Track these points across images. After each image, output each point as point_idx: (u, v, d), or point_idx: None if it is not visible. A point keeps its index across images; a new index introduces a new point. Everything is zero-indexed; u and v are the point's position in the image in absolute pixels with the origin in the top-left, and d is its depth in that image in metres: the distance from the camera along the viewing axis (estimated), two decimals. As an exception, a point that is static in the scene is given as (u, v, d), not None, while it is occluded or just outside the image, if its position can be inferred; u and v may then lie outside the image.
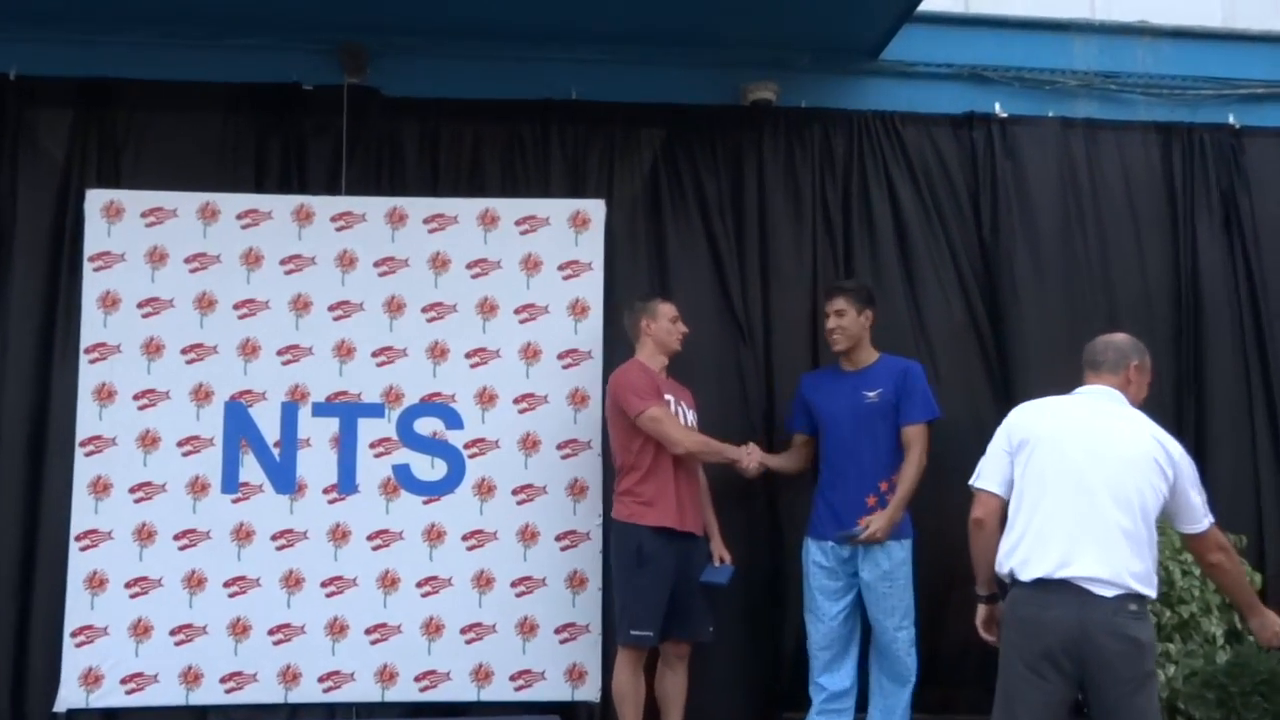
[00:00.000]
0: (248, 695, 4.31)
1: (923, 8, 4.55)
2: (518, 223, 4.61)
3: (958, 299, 4.84)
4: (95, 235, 4.45)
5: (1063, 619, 2.79)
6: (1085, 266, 4.91)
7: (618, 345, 4.49)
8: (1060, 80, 5.01)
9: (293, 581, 4.35)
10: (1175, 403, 4.84)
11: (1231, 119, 5.05)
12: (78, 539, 4.29)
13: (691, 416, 4.28)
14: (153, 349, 4.41)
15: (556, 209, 4.63)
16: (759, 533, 4.54)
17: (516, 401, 4.53)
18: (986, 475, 3.10)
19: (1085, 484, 2.90)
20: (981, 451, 3.24)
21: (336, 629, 4.33)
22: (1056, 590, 2.82)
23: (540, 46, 4.69)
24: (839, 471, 4.25)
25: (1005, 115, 4.92)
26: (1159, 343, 4.71)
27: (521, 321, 4.56)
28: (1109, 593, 2.77)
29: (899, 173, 4.86)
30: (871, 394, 4.23)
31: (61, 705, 4.20)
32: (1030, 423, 3.09)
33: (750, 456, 4.29)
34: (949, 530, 4.00)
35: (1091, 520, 2.85)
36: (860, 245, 4.85)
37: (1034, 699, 2.81)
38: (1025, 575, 2.88)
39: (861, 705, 4.27)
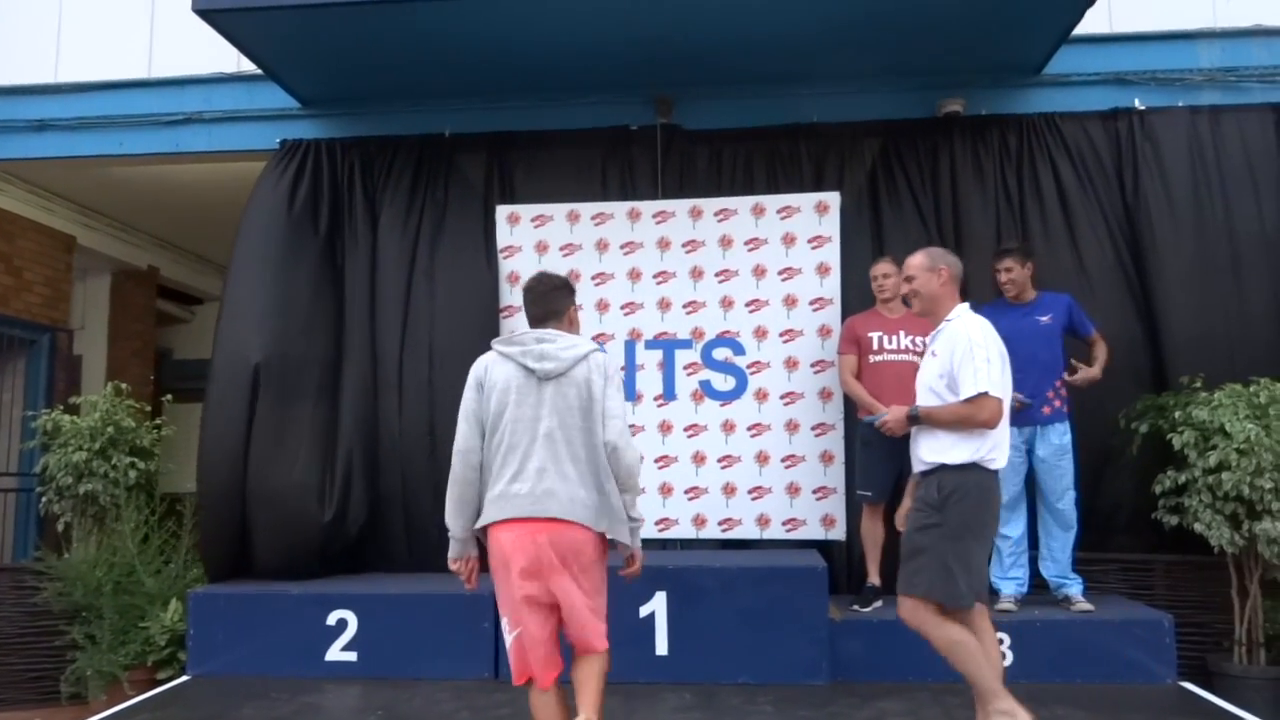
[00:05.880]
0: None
1: (1075, 31, 5.58)
2: (778, 211, 6.00)
3: (1108, 247, 5.76)
4: (503, 234, 6.19)
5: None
6: (1211, 221, 5.65)
7: (851, 294, 5.82)
8: (1188, 77, 5.88)
9: (635, 459, 6.09)
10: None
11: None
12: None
13: (910, 340, 5.22)
14: (541, 308, 6.23)
15: (805, 200, 5.99)
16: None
17: (781, 335, 5.95)
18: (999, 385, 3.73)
19: None
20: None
21: (665, 490, 5.95)
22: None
23: (789, 86, 6.07)
24: (1025, 374, 4.77)
25: (1143, 108, 5.82)
26: (1276, 278, 5.64)
27: (783, 280, 5.97)
28: None
29: (1060, 157, 5.87)
30: (1044, 318, 5.16)
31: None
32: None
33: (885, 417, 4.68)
34: (1106, 416, 5.22)
35: None
36: (1032, 213, 5.84)
37: None
38: (994, 466, 3.77)
39: (1033, 546, 5.21)
